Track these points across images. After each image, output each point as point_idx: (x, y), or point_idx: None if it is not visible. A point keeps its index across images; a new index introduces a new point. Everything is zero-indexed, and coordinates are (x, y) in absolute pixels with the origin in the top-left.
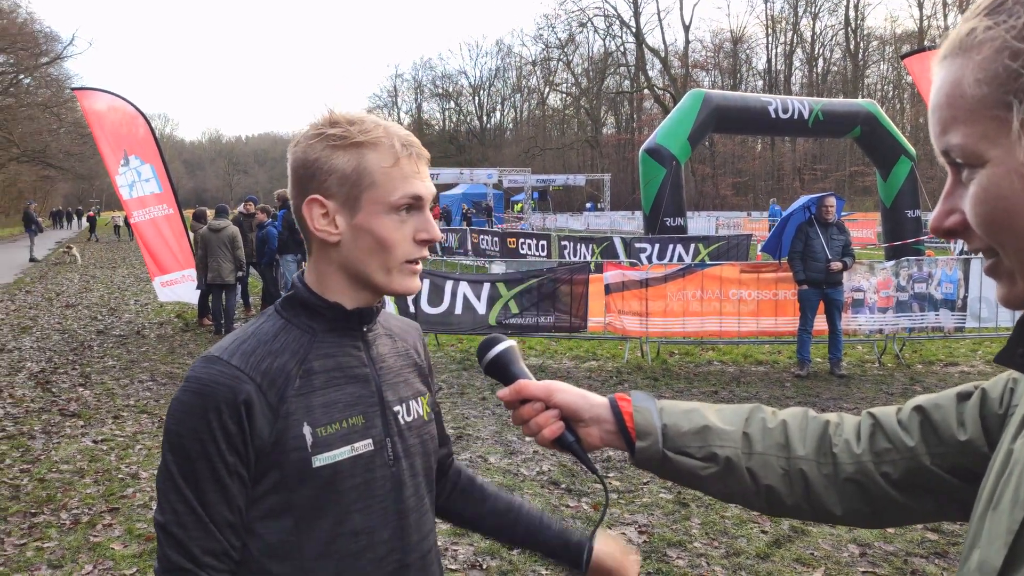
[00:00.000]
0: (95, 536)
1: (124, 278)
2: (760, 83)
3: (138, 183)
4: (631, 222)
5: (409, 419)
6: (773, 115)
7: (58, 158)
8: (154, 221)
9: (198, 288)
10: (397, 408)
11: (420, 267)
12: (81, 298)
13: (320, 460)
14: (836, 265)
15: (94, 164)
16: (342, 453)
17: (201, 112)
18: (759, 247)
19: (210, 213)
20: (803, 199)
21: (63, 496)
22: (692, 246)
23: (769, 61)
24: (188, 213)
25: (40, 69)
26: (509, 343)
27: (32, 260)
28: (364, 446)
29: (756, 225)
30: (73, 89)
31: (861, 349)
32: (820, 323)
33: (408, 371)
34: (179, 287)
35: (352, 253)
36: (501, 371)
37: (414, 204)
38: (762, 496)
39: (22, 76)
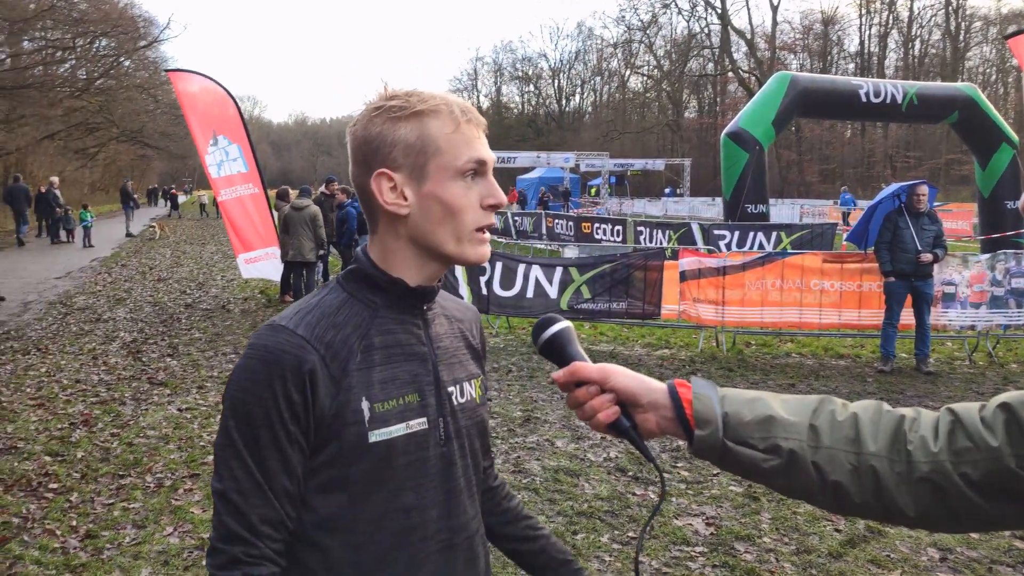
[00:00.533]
0: (177, 500)
1: (212, 254)
2: (851, 66)
3: (226, 162)
4: (711, 208)
5: (463, 400)
6: (864, 99)
7: (154, 138)
8: (240, 200)
9: (282, 262)
10: (451, 389)
11: (488, 235)
12: (172, 272)
13: (376, 435)
14: (926, 256)
15: (187, 144)
16: (398, 430)
17: (288, 95)
18: (844, 236)
19: (293, 193)
20: (893, 187)
21: (148, 460)
22: (774, 234)
23: (862, 43)
24: (272, 192)
25: (138, 52)
26: (564, 323)
27: (128, 235)
28: (418, 424)
29: (839, 214)
30: (167, 71)
31: (951, 346)
32: (906, 317)
33: (463, 353)
34: (262, 264)
35: (422, 224)
36: (556, 352)
37: (479, 169)
38: (828, 493)
39: (122, 59)
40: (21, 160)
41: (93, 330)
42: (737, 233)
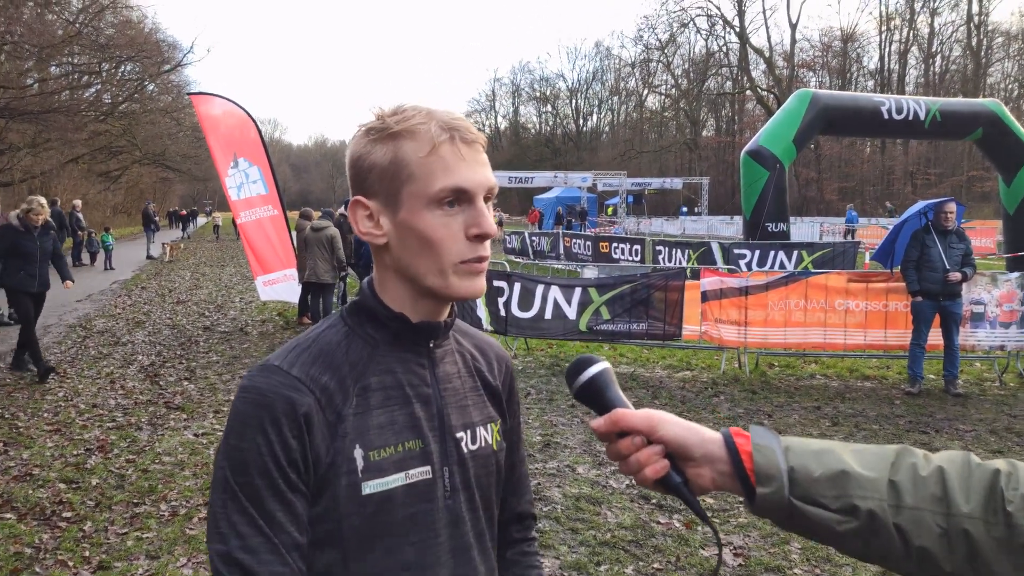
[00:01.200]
0: (191, 529)
1: (231, 276)
2: (871, 83)
3: (246, 184)
4: (730, 227)
5: (474, 447)
6: (886, 116)
7: (176, 160)
8: (259, 222)
9: (299, 284)
10: (461, 434)
11: (483, 266)
12: (191, 295)
13: (370, 487)
14: (955, 276)
15: (209, 166)
16: (395, 480)
17: (308, 117)
18: (867, 255)
19: (316, 214)
20: (919, 204)
21: (164, 487)
22: (795, 253)
23: (882, 60)
24: (293, 215)
25: (162, 76)
26: (603, 364)
27: (149, 257)
28: (420, 473)
29: (865, 232)
30: (189, 94)
31: (980, 367)
32: (934, 338)
33: (478, 394)
34: (280, 286)
35: (401, 255)
36: (595, 397)
37: (459, 197)
38: (913, 559)
39: (147, 83)
40: (46, 183)
41: (111, 353)
42: (758, 252)
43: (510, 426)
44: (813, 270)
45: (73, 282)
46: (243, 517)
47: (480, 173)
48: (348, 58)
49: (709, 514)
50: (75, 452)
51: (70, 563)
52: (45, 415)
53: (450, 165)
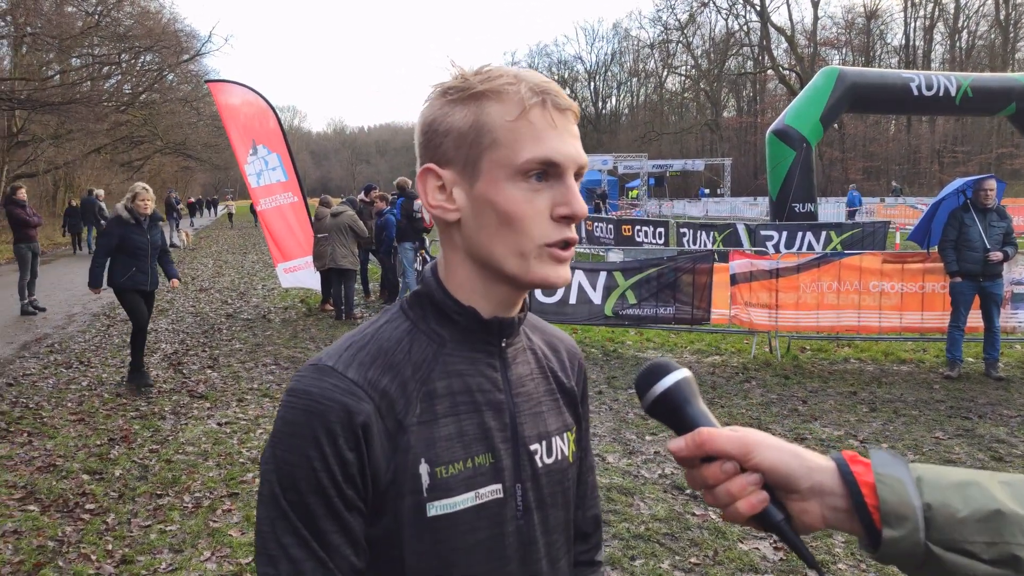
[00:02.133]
0: (215, 521)
1: (254, 263)
2: (895, 60)
3: (265, 172)
4: (753, 208)
5: (549, 461)
6: (915, 92)
7: (196, 149)
8: (280, 209)
9: (316, 271)
10: (535, 446)
11: (569, 253)
12: (214, 282)
13: (437, 508)
14: (996, 255)
15: (229, 155)
16: (464, 500)
17: (327, 103)
18: (897, 235)
19: (335, 201)
20: (957, 182)
21: (187, 478)
22: (823, 234)
23: (906, 36)
24: (313, 202)
25: (181, 66)
26: (683, 372)
27: (172, 246)
28: (491, 492)
29: (892, 212)
30: (207, 82)
31: (1021, 349)
32: (973, 319)
33: (554, 398)
34: (301, 273)
35: (476, 234)
36: (672, 412)
37: (549, 170)
38: None
39: (166, 73)
40: (69, 174)
41: None
42: (785, 233)
43: (583, 431)
44: (844, 251)
45: (180, 281)
46: (294, 539)
47: (572, 146)
48: (365, 44)
49: None
50: (98, 442)
51: (93, 557)
52: (69, 404)
53: (541, 133)
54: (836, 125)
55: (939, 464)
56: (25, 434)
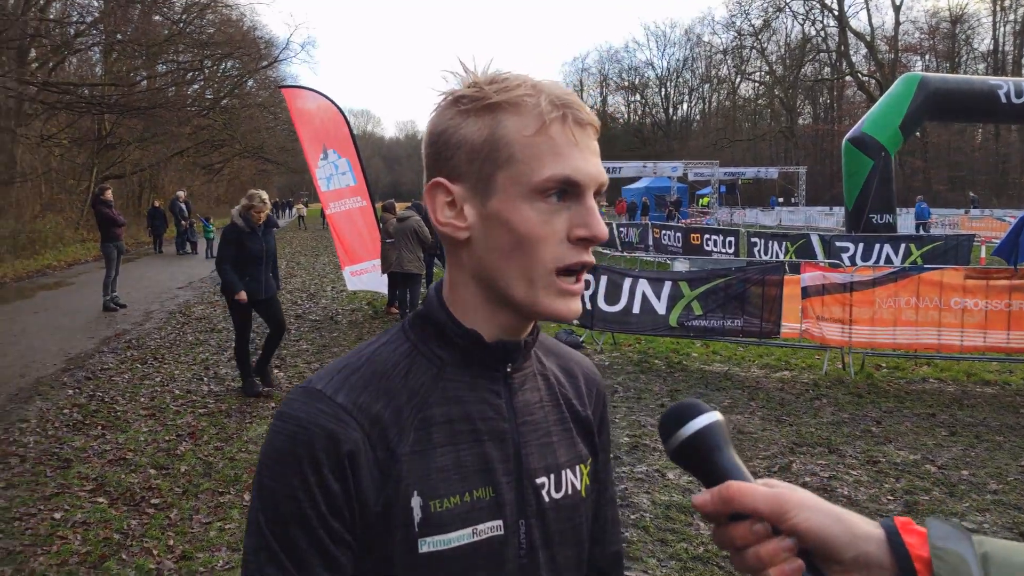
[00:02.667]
0: None
1: (324, 265)
2: (983, 66)
3: (335, 176)
4: (829, 218)
5: (558, 496)
6: (1004, 100)
7: (273, 153)
8: (349, 212)
9: (383, 274)
10: (541, 480)
11: (579, 287)
12: (285, 283)
13: (429, 544)
14: None
15: (304, 159)
16: (460, 537)
17: (399, 109)
18: (983, 250)
19: (401, 205)
20: None
21: (248, 477)
22: (902, 246)
23: (995, 41)
24: (380, 206)
25: (260, 72)
26: (714, 415)
27: None
28: (490, 528)
29: (978, 224)
30: (280, 87)
31: None
32: None
33: (564, 428)
34: (367, 276)
35: (486, 255)
36: (700, 460)
37: (569, 190)
38: None
39: (246, 78)
40: (153, 176)
41: (207, 340)
42: (862, 245)
43: (601, 463)
44: (924, 265)
45: (280, 290)
46: (278, 571)
47: (593, 164)
48: (437, 49)
49: None
50: (167, 437)
51: (154, 551)
52: (142, 399)
53: (561, 150)
54: (918, 133)
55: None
56: (99, 427)
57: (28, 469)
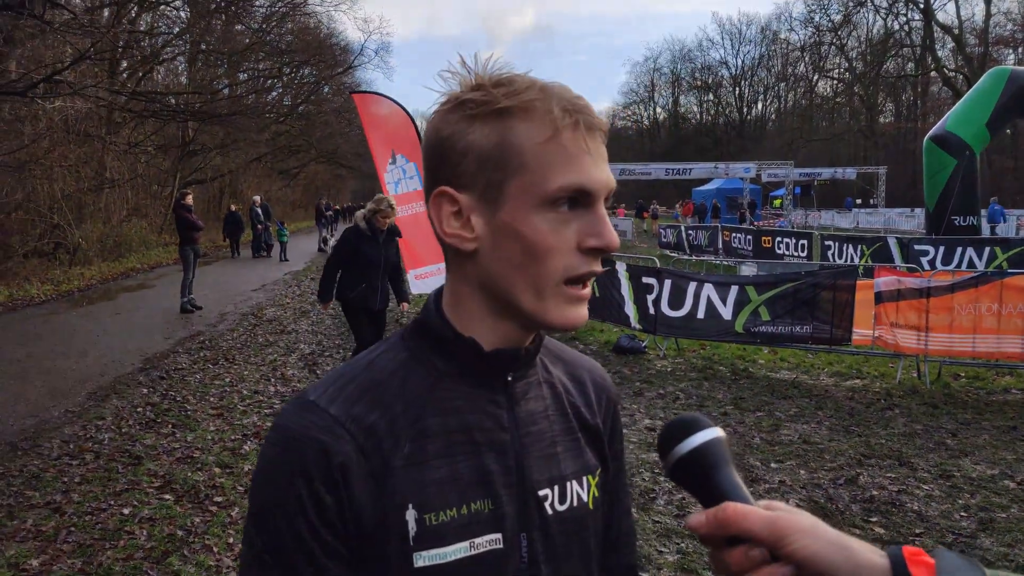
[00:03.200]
0: None
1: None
2: None
3: (403, 180)
4: (910, 220)
5: (562, 508)
6: None
7: (347, 158)
8: (416, 216)
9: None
10: (544, 492)
11: (587, 292)
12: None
13: (424, 558)
14: None
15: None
16: (456, 551)
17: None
18: None
19: None
20: None
21: None
22: (987, 250)
23: None
24: None
25: (335, 78)
26: (715, 432)
27: (320, 250)
28: (489, 542)
29: None
30: (351, 93)
31: None
32: None
33: (572, 438)
34: (432, 280)
35: (494, 266)
36: (697, 477)
37: (581, 199)
38: None
39: (322, 85)
40: (233, 181)
41: (277, 341)
42: (943, 249)
43: (612, 474)
44: (1009, 270)
45: (410, 304)
46: None
47: (604, 171)
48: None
49: None
50: (233, 437)
51: (215, 548)
52: (211, 399)
53: (573, 157)
54: (1008, 131)
55: None
56: (170, 425)
57: (101, 465)
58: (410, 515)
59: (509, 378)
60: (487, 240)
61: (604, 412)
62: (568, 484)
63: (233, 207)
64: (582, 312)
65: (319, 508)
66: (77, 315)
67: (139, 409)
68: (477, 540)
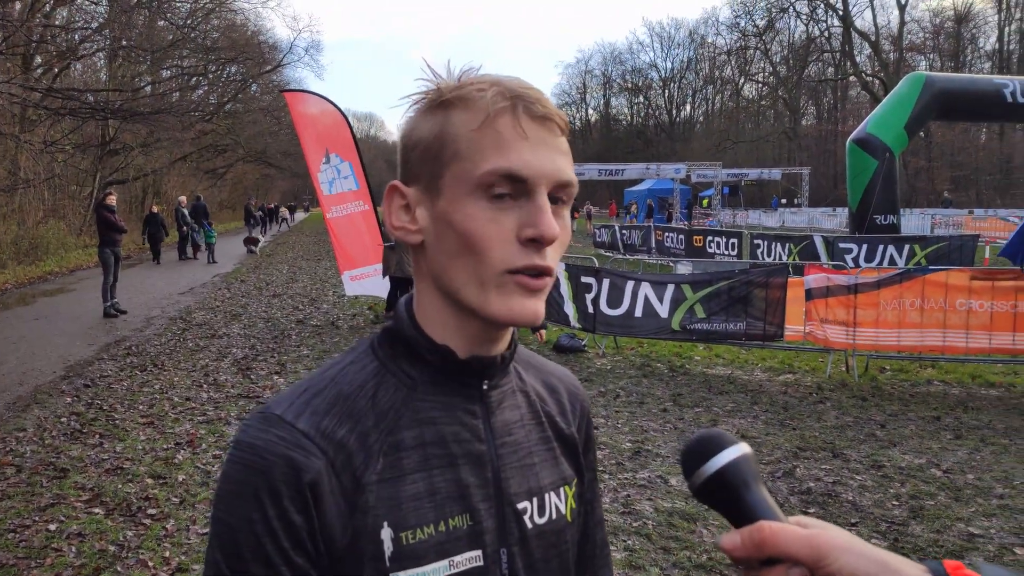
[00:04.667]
0: None
1: (327, 270)
2: (988, 66)
3: (337, 180)
4: (832, 219)
5: (540, 521)
6: (1009, 99)
7: (276, 158)
8: (350, 217)
9: (384, 277)
10: (523, 504)
11: (540, 283)
12: (287, 288)
13: None
14: None
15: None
16: (436, 570)
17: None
18: (987, 250)
19: None
20: None
21: None
22: (906, 247)
23: (1000, 41)
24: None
25: (263, 76)
26: (742, 448)
27: (249, 252)
28: (468, 560)
29: (982, 224)
30: (282, 91)
31: None
32: None
33: (548, 448)
34: (367, 281)
35: (437, 258)
36: (727, 497)
37: (514, 186)
38: None
39: (250, 83)
40: (156, 181)
41: (208, 346)
42: (866, 246)
43: (587, 483)
44: (929, 266)
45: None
46: None
47: (546, 158)
48: (438, 50)
49: None
50: (165, 446)
51: (150, 563)
52: (140, 407)
53: (506, 142)
54: (922, 133)
55: None
56: (97, 435)
57: (24, 479)
58: (385, 534)
59: (485, 387)
60: (431, 232)
61: (579, 421)
62: (547, 496)
63: (155, 208)
64: (530, 305)
65: (289, 529)
66: None
67: (63, 419)
68: (456, 558)
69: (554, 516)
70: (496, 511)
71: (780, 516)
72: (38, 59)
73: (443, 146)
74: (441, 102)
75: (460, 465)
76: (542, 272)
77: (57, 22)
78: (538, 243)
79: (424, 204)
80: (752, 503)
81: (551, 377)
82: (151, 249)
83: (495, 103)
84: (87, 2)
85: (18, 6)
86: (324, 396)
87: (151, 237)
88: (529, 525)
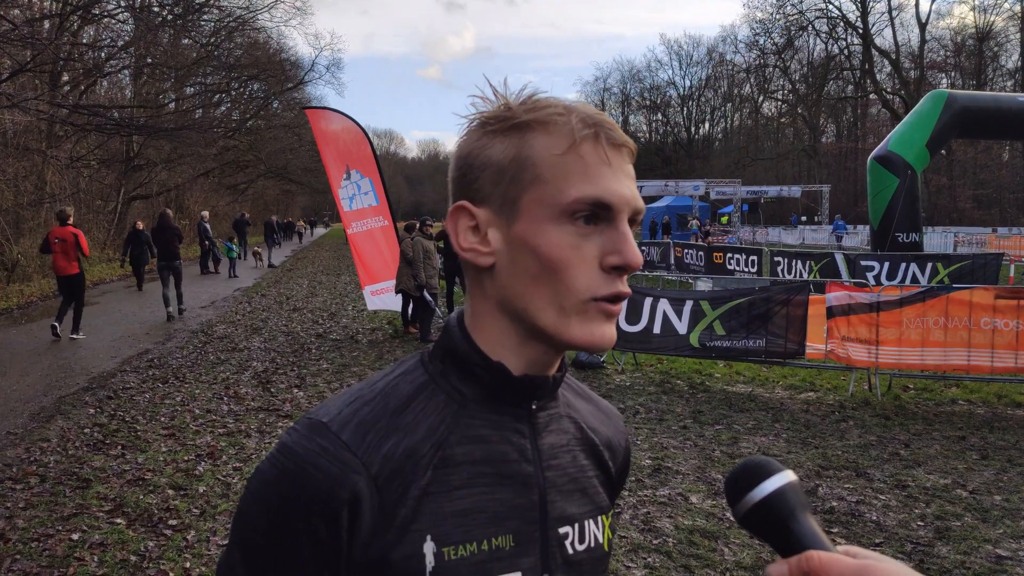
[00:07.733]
0: None
1: (346, 284)
2: (1010, 83)
3: (358, 196)
4: (853, 237)
5: (580, 548)
6: None
7: (297, 174)
8: (371, 232)
9: (397, 293)
10: (565, 529)
11: (617, 308)
12: (307, 302)
13: None
14: None
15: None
16: None
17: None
18: (1012, 268)
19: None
20: None
21: None
22: (929, 265)
23: (1022, 58)
24: (400, 225)
25: (285, 94)
26: (788, 476)
27: (270, 266)
28: None
29: (1007, 243)
30: (304, 109)
31: None
32: None
33: (588, 477)
34: (387, 296)
35: (511, 282)
36: (775, 526)
37: (601, 213)
38: None
39: (272, 100)
40: (179, 196)
41: (228, 359)
42: (887, 264)
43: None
44: (952, 284)
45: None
46: None
47: (627, 187)
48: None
49: None
50: (186, 457)
51: (171, 573)
52: (162, 419)
53: (592, 170)
54: (943, 151)
55: None
56: (119, 447)
57: (47, 489)
58: (428, 547)
59: (533, 407)
60: (504, 255)
61: (621, 457)
62: (586, 523)
63: (140, 225)
64: (609, 331)
65: (315, 542)
66: (17, 333)
67: (86, 430)
68: None
69: (592, 544)
70: (540, 535)
71: (827, 545)
72: (65, 76)
73: (522, 168)
74: (516, 124)
75: (507, 485)
76: (623, 298)
77: (84, 40)
78: (621, 270)
79: (497, 226)
80: (800, 532)
81: (600, 407)
82: (134, 273)
83: (580, 130)
84: (114, 21)
85: (47, 25)
86: (373, 406)
87: (134, 259)
88: (570, 551)
